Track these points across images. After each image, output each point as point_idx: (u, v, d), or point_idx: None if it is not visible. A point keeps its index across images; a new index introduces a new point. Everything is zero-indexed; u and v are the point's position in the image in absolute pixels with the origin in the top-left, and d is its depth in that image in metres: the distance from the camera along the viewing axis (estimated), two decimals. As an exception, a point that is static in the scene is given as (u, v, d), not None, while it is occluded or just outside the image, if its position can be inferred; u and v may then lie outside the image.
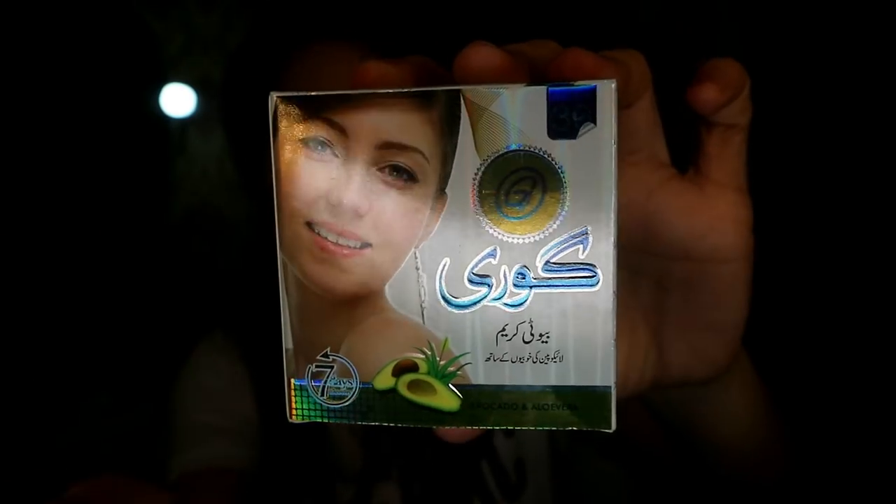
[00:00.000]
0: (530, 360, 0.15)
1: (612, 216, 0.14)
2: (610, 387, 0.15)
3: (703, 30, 1.00)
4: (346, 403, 0.16)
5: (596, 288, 0.14)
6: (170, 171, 1.23)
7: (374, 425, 0.16)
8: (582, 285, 0.14)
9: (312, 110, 0.16)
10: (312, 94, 0.16)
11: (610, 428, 0.15)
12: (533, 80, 0.17)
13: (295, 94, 0.16)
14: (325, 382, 0.16)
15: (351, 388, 0.16)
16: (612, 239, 0.14)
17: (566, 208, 0.14)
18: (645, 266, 0.24)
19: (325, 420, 0.17)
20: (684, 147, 0.24)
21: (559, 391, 0.15)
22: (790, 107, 0.87)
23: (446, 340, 0.15)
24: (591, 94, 0.14)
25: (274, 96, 0.16)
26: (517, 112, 0.14)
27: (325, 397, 0.16)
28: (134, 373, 1.18)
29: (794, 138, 0.88)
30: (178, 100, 1.20)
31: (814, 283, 0.90)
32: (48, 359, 1.14)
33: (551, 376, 0.15)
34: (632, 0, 1.10)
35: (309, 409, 0.17)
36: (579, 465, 0.61)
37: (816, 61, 0.90)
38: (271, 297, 0.57)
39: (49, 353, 1.14)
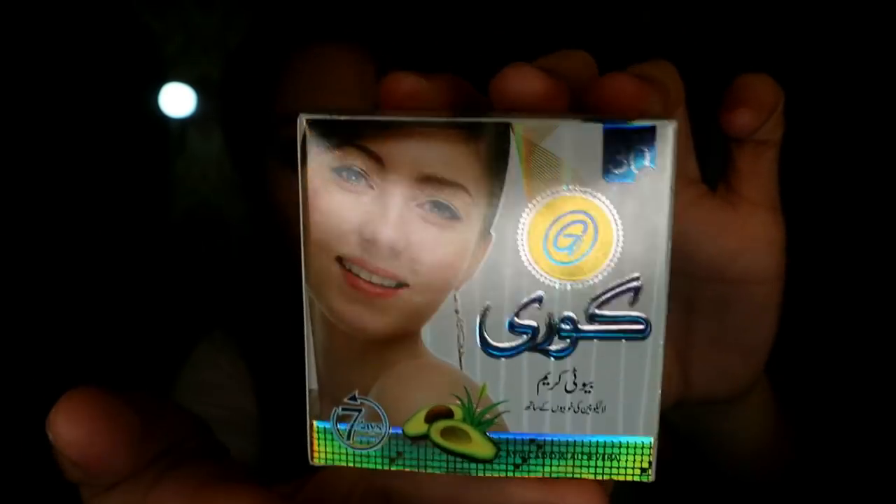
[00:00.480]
0: (571, 409, 0.14)
1: (665, 265, 0.14)
2: (651, 438, 0.14)
3: (727, 36, 0.99)
4: (374, 448, 0.16)
5: (645, 340, 0.14)
6: (170, 171, 1.22)
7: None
8: (630, 337, 0.14)
9: (346, 137, 0.14)
10: (346, 118, 0.14)
11: (650, 479, 0.14)
12: (572, 106, 0.16)
13: (327, 117, 0.15)
14: (352, 426, 0.16)
15: (380, 434, 0.15)
16: (664, 289, 0.14)
17: (618, 255, 0.14)
18: (675, 287, 0.23)
19: (350, 464, 0.16)
20: (709, 158, 0.23)
21: (600, 441, 0.14)
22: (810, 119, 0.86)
23: (484, 387, 0.14)
24: (651, 135, 0.13)
25: (303, 119, 0.15)
26: (570, 149, 0.13)
27: (351, 441, 0.16)
28: (134, 372, 1.18)
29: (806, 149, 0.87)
30: (177, 100, 1.19)
31: (816, 288, 0.90)
32: (48, 358, 1.13)
33: (592, 426, 0.14)
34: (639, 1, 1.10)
35: (333, 453, 0.16)
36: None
37: (837, 70, 0.89)
38: (271, 296, 0.57)
39: (48, 353, 1.14)
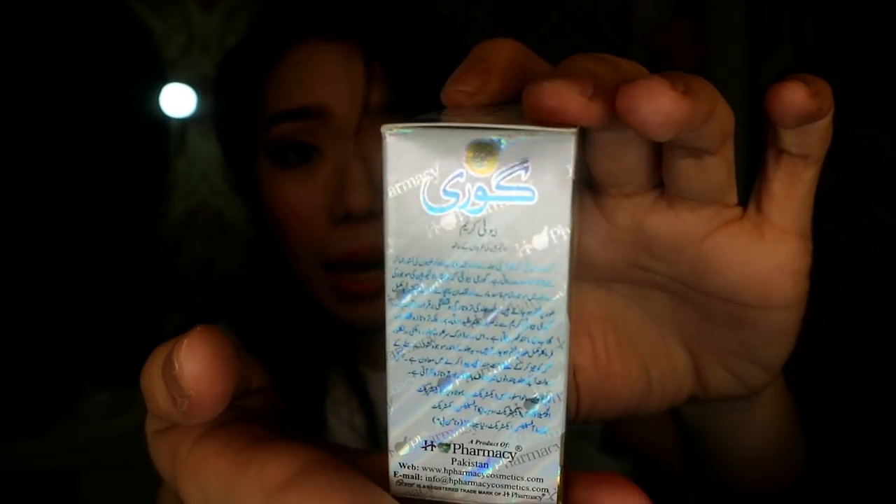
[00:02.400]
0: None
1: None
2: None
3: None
4: None
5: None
6: (170, 171, 1.23)
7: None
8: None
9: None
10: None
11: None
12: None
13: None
14: None
15: None
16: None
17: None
18: (690, 297, 0.22)
19: None
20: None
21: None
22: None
23: None
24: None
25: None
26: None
27: None
28: (134, 372, 1.18)
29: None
30: (177, 100, 1.19)
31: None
32: (47, 358, 1.14)
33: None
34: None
35: None
36: (580, 460, 0.61)
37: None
38: (271, 296, 0.57)
39: (48, 353, 1.14)
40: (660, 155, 0.19)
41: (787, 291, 0.21)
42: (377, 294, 0.47)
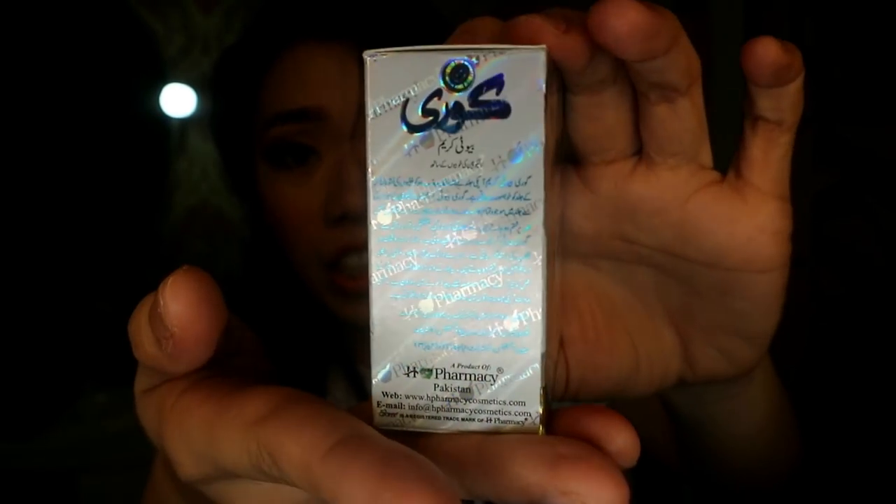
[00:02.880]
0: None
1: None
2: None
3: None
4: None
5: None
6: (170, 170, 1.23)
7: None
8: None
9: None
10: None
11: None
12: None
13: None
14: None
15: None
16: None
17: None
18: (675, 268, 0.23)
19: None
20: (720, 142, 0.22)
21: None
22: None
23: None
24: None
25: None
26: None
27: None
28: (133, 372, 1.18)
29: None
30: (178, 100, 1.20)
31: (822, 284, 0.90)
32: (46, 358, 1.14)
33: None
34: None
35: None
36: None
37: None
38: (269, 296, 0.56)
39: (47, 352, 1.14)
40: (637, 118, 0.21)
41: (770, 251, 0.22)
42: None
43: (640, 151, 0.21)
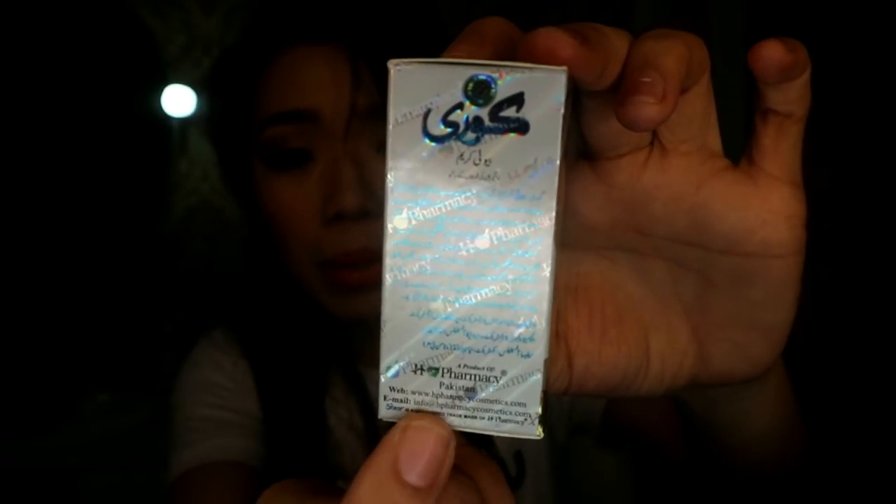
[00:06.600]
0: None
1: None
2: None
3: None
4: None
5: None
6: (170, 171, 1.23)
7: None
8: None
9: None
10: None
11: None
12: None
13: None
14: None
15: None
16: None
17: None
18: (690, 258, 0.23)
19: None
20: (731, 136, 0.23)
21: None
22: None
23: None
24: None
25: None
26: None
27: None
28: (134, 372, 1.18)
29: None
30: (178, 100, 1.20)
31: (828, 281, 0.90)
32: (47, 358, 1.14)
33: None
34: None
35: None
36: (578, 456, 0.61)
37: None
38: (269, 297, 0.56)
39: (48, 352, 1.14)
40: None
41: (784, 236, 0.22)
42: (370, 286, 0.47)
43: (651, 142, 0.22)
